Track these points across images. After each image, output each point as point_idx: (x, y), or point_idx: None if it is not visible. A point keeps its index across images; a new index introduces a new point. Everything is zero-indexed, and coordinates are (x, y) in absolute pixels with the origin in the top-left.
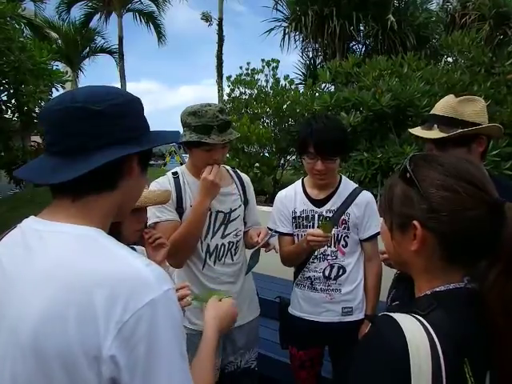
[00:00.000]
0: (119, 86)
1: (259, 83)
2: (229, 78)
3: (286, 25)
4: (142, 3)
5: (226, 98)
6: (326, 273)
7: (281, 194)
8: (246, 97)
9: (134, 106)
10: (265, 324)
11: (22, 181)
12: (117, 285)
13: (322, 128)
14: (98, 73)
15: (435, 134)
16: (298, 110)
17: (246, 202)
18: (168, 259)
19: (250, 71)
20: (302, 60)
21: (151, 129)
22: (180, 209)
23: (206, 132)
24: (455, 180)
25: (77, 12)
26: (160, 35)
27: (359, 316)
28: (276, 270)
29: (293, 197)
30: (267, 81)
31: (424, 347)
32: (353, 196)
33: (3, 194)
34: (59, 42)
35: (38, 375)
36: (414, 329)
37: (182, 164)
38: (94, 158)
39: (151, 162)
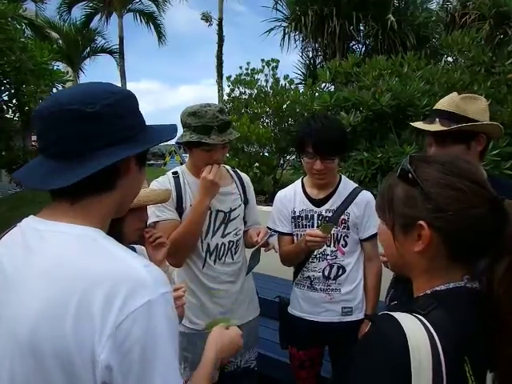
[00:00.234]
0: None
1: (259, 83)
2: (229, 77)
3: (285, 25)
4: (142, 3)
5: (225, 97)
6: (326, 272)
7: (280, 193)
8: (246, 97)
9: (128, 103)
10: (265, 324)
11: None
12: (114, 285)
13: (321, 128)
14: (98, 73)
15: (436, 127)
16: (297, 110)
17: (245, 202)
18: (168, 258)
19: (249, 71)
20: (301, 60)
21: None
22: (180, 208)
23: (206, 132)
24: (458, 179)
25: (77, 12)
26: (160, 35)
27: (359, 316)
28: (276, 270)
29: (292, 196)
30: (267, 81)
31: (424, 346)
32: (353, 196)
33: (4, 194)
34: (60, 42)
35: (36, 375)
36: (414, 328)
37: (181, 164)
38: (92, 162)
39: (151, 162)
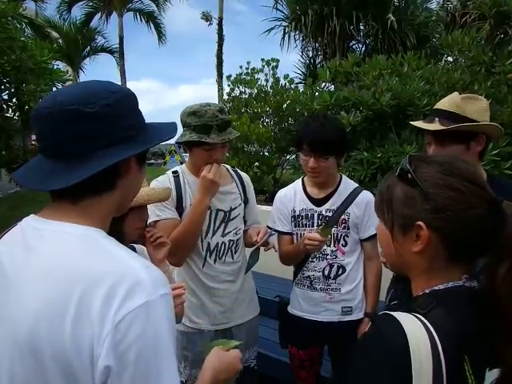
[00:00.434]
0: None
1: (259, 82)
2: (229, 77)
3: (285, 24)
4: (142, 3)
5: (225, 97)
6: (326, 272)
7: (281, 193)
8: (246, 96)
9: (128, 102)
10: (264, 323)
11: None
12: (114, 286)
13: (318, 127)
14: (98, 72)
15: (435, 126)
16: (297, 110)
17: (245, 201)
18: (168, 258)
19: (249, 70)
20: (301, 59)
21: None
22: (180, 208)
23: (206, 131)
24: (457, 179)
25: (77, 11)
26: (160, 34)
27: (359, 315)
28: (276, 270)
29: (292, 196)
30: (267, 80)
31: (425, 345)
32: (353, 195)
33: (4, 193)
34: (60, 41)
35: (36, 376)
36: (414, 327)
37: (181, 163)
38: (93, 163)
39: (151, 161)
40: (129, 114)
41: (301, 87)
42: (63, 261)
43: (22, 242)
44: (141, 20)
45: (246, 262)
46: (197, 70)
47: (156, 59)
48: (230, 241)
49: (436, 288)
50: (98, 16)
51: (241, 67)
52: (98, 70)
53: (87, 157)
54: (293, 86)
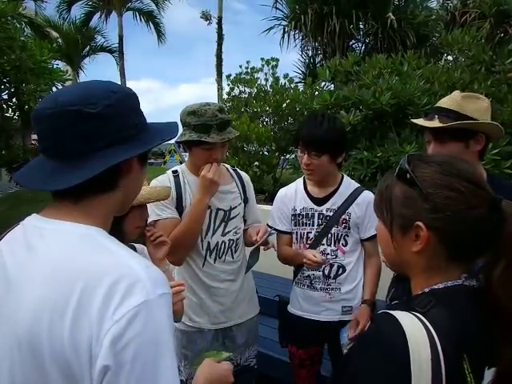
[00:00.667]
0: None
1: (259, 82)
2: (228, 76)
3: (285, 23)
4: (141, 2)
5: (225, 96)
6: (326, 272)
7: (281, 192)
8: (246, 95)
9: (129, 102)
10: (264, 322)
11: None
12: (113, 285)
13: (314, 125)
14: (98, 71)
15: (434, 123)
16: (297, 109)
17: (245, 200)
18: (168, 257)
19: (249, 70)
20: (301, 58)
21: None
22: (180, 207)
23: (206, 131)
24: (456, 179)
25: (77, 11)
26: (160, 34)
27: None
28: (276, 269)
29: (293, 194)
30: (267, 79)
31: (424, 344)
32: (354, 195)
33: (4, 193)
34: (60, 40)
35: (36, 376)
36: (413, 326)
37: (181, 163)
38: (95, 163)
39: (151, 161)
40: (130, 113)
41: (300, 86)
42: (63, 260)
43: (23, 242)
44: (140, 19)
45: (246, 261)
46: (196, 70)
47: (156, 59)
48: (230, 240)
49: (435, 287)
50: (97, 15)
51: (240, 66)
52: (98, 69)
53: (89, 157)
54: (292, 85)
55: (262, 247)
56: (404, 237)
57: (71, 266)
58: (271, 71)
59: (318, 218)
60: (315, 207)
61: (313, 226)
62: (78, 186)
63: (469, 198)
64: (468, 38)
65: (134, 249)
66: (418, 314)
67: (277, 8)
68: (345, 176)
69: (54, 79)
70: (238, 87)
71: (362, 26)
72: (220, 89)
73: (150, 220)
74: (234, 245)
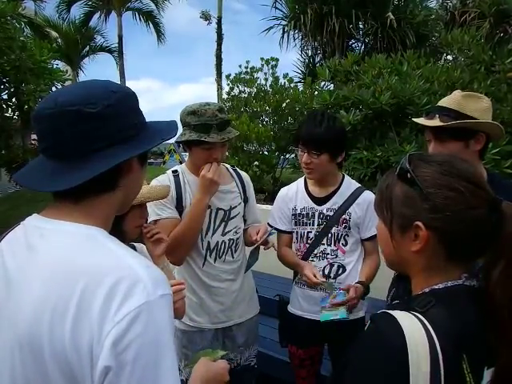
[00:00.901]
0: None
1: (258, 81)
2: (228, 76)
3: (285, 23)
4: (141, 2)
5: (225, 96)
6: (326, 271)
7: (282, 191)
8: (246, 95)
9: (129, 102)
10: (264, 322)
11: None
12: (114, 286)
13: (314, 123)
14: (97, 71)
15: (434, 123)
16: (297, 109)
17: (245, 200)
18: (168, 256)
19: (249, 69)
20: (301, 58)
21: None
22: (180, 207)
23: (206, 131)
24: (456, 179)
25: (77, 11)
26: (159, 34)
27: (359, 314)
28: (276, 269)
29: (294, 194)
30: (266, 79)
31: (422, 344)
32: (355, 195)
33: (4, 193)
34: (59, 40)
35: (37, 376)
36: (412, 326)
37: (181, 163)
38: (95, 164)
39: (150, 161)
40: (130, 113)
41: (300, 86)
42: (63, 260)
43: (23, 242)
44: (140, 19)
45: (246, 260)
46: (196, 69)
47: (155, 58)
48: (230, 240)
49: (436, 287)
50: (97, 15)
51: (240, 66)
52: (98, 69)
53: (89, 157)
54: (292, 84)
55: (261, 247)
56: (403, 236)
57: (71, 266)
58: (271, 71)
59: (319, 218)
60: (316, 207)
61: (313, 225)
62: (78, 186)
63: (468, 199)
64: (467, 38)
65: (134, 248)
66: (417, 314)
67: (276, 8)
68: (345, 176)
69: (54, 79)
70: (237, 87)
71: (361, 26)
72: (220, 88)
73: (150, 220)
74: (234, 244)
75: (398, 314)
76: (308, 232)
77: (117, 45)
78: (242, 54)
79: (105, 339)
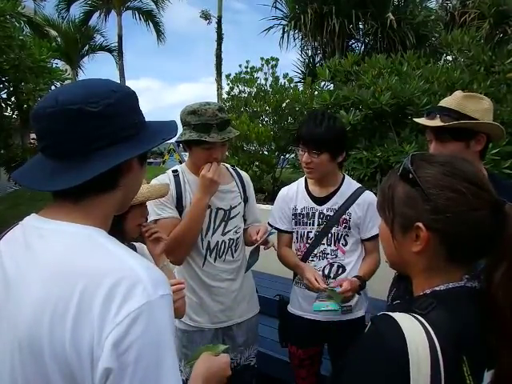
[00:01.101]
0: None
1: (258, 81)
2: (228, 76)
3: (285, 23)
4: (141, 1)
5: (225, 96)
6: (326, 271)
7: (283, 191)
8: (246, 95)
9: (129, 102)
10: (264, 322)
11: None
12: (113, 286)
13: (314, 123)
14: (97, 71)
15: (435, 123)
16: (297, 109)
17: (245, 200)
18: (168, 256)
19: (249, 69)
20: (301, 58)
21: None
22: (180, 206)
23: (206, 130)
24: (458, 180)
25: (76, 10)
26: (159, 33)
27: (358, 314)
28: (276, 269)
29: (294, 194)
30: (266, 79)
31: (423, 346)
32: (355, 195)
33: (3, 192)
34: (59, 39)
35: (37, 377)
36: (413, 328)
37: (180, 162)
38: (96, 163)
39: (150, 160)
40: (130, 112)
41: (300, 86)
42: (63, 261)
43: (22, 242)
44: (140, 19)
45: (246, 260)
46: (196, 69)
47: (155, 58)
48: (230, 239)
49: (437, 288)
50: (96, 14)
51: (240, 66)
52: (97, 68)
53: (90, 157)
54: (292, 84)
55: (262, 247)
56: (404, 236)
57: (71, 267)
58: (271, 71)
59: (319, 218)
60: (316, 207)
61: (313, 225)
62: (78, 185)
63: (470, 200)
64: (467, 38)
65: (134, 248)
66: (417, 316)
67: (276, 7)
68: (346, 176)
69: (53, 78)
70: (237, 87)
71: (361, 26)
72: (220, 88)
73: (150, 219)
74: (234, 244)
75: (399, 316)
76: (308, 232)
77: (116, 44)
78: (242, 53)
79: (105, 341)
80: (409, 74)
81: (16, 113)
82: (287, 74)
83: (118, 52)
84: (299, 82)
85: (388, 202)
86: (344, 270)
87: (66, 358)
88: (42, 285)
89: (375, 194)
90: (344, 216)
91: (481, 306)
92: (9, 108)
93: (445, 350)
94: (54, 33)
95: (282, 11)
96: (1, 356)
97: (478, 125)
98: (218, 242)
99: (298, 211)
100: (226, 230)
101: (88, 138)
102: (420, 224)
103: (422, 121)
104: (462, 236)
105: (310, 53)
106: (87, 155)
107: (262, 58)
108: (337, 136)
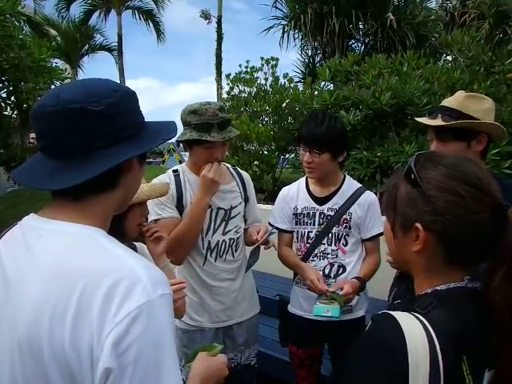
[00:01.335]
0: None
1: (258, 81)
2: (228, 76)
3: (285, 23)
4: (141, 1)
5: (225, 95)
6: (326, 271)
7: (284, 190)
8: (246, 95)
9: (130, 101)
10: (265, 322)
11: None
12: (113, 286)
13: (315, 123)
14: (97, 70)
15: (436, 122)
16: (297, 109)
17: (246, 200)
18: (168, 256)
19: (249, 69)
20: (301, 58)
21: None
22: (180, 206)
23: (207, 130)
24: (460, 183)
25: (76, 9)
26: (159, 33)
27: (359, 314)
28: (276, 269)
29: (295, 193)
30: (266, 79)
31: (422, 346)
32: (356, 195)
33: (2, 192)
34: (58, 39)
35: (37, 377)
36: (413, 328)
37: (180, 162)
38: (96, 163)
39: (149, 160)
40: (131, 112)
41: (300, 86)
42: (62, 261)
43: (21, 242)
44: (139, 18)
45: (247, 260)
46: (196, 69)
47: (155, 57)
48: (230, 239)
49: (438, 288)
50: (96, 14)
51: (240, 66)
52: (97, 68)
53: (91, 156)
54: (292, 84)
55: (262, 246)
56: (405, 236)
57: (70, 267)
58: (271, 71)
59: (319, 218)
60: (316, 206)
61: (314, 225)
62: (78, 185)
63: (470, 204)
64: (467, 39)
65: (135, 247)
66: (418, 315)
67: (276, 7)
68: (347, 176)
69: (53, 77)
70: (237, 86)
71: (361, 26)
72: (220, 88)
73: (150, 219)
74: (235, 244)
75: (399, 315)
76: (309, 232)
77: (116, 43)
78: (242, 53)
79: (105, 340)
80: (409, 74)
81: (16, 112)
82: (287, 73)
83: (117, 51)
84: (299, 81)
85: (391, 201)
86: (344, 269)
87: (66, 358)
88: (42, 285)
89: (375, 194)
90: (345, 216)
91: (481, 306)
92: (8, 107)
93: (444, 349)
94: (53, 32)
95: (282, 11)
96: (1, 356)
97: (479, 125)
98: (218, 241)
99: (299, 211)
100: (227, 230)
101: (89, 138)
102: (418, 225)
103: (424, 120)
104: (461, 239)
105: (309, 53)
106: (88, 154)
107: (261, 58)
108: (338, 136)
